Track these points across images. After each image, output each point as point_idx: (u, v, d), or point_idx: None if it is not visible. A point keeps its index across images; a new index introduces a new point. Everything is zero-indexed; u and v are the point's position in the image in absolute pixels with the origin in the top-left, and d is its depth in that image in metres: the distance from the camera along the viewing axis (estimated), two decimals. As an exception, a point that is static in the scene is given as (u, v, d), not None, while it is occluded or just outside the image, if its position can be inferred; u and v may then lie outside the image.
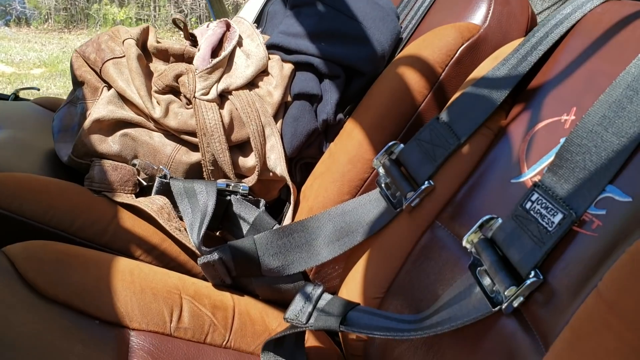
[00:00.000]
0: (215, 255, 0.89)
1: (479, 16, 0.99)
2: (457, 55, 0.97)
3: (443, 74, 0.97)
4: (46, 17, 9.71)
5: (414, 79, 0.97)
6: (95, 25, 9.92)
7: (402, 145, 0.90)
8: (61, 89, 5.97)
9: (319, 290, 0.83)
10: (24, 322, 0.69)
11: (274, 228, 0.97)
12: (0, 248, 0.80)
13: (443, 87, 0.97)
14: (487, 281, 0.67)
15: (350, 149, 1.01)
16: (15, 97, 1.46)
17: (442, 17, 1.07)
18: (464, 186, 0.83)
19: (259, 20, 1.37)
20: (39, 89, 1.61)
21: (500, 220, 0.70)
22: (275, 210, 1.18)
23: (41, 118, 1.30)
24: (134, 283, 0.82)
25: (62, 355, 0.67)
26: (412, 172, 0.87)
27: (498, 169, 0.79)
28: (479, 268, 0.69)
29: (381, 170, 0.91)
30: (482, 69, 0.90)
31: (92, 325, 0.75)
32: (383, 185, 0.90)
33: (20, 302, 0.73)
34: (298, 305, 0.80)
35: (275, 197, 1.18)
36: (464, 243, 0.72)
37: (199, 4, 10.18)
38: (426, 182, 0.83)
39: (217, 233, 1.08)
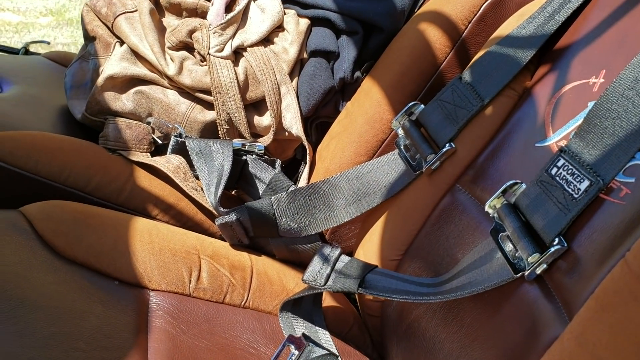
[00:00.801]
0: (232, 216, 0.89)
1: (504, -30, 0.96)
2: (480, 11, 0.93)
3: (466, 31, 0.94)
4: (51, -36, 9.54)
5: (435, 36, 0.95)
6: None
7: (422, 106, 0.88)
8: (69, 38, 5.91)
9: (337, 252, 0.82)
10: (45, 282, 0.70)
11: (291, 189, 0.97)
12: (17, 208, 0.81)
13: (465, 44, 0.94)
14: (509, 247, 0.66)
15: (368, 108, 0.99)
16: (26, 51, 1.44)
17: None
18: (486, 149, 0.81)
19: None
20: (49, 42, 1.58)
21: (524, 186, 0.69)
22: (291, 169, 1.17)
23: (53, 73, 1.28)
24: (152, 243, 0.82)
25: (83, 315, 0.67)
26: (432, 134, 0.85)
27: (522, 132, 0.78)
28: (501, 234, 0.68)
29: (400, 132, 0.89)
30: (507, 27, 0.87)
31: (111, 286, 0.75)
32: (402, 146, 0.89)
33: (40, 262, 0.73)
34: (316, 267, 0.80)
35: (290, 157, 1.16)
36: (487, 208, 0.71)
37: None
38: (447, 145, 0.82)
39: (233, 192, 1.07)
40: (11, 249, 0.73)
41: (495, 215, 0.70)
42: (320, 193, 0.92)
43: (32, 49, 1.50)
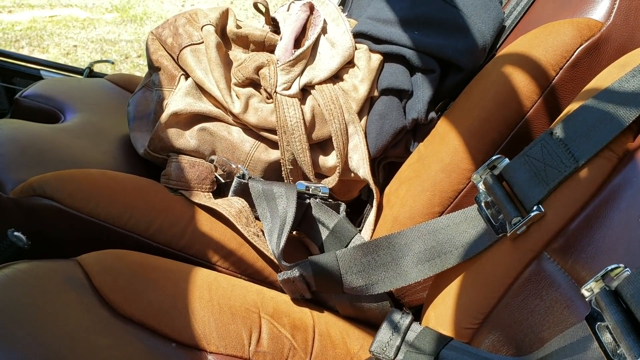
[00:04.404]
0: (295, 272, 0.83)
1: (600, 11, 0.86)
2: (574, 56, 0.85)
3: (556, 77, 0.85)
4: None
5: (522, 82, 0.87)
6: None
7: (507, 160, 0.81)
8: (132, 35, 6.04)
9: (408, 319, 0.76)
10: (101, 347, 0.66)
11: (357, 241, 0.91)
12: (69, 250, 0.78)
13: (555, 92, 0.86)
14: (608, 339, 0.58)
15: (444, 155, 0.92)
16: (90, 71, 1.44)
17: (554, 8, 0.95)
18: (579, 216, 0.73)
19: (343, 1, 1.27)
20: (113, 62, 1.59)
21: (628, 271, 0.60)
22: (355, 209, 1.11)
23: (115, 99, 1.27)
24: (212, 301, 0.77)
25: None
26: (518, 194, 0.77)
27: (622, 201, 0.69)
28: (599, 323, 0.60)
29: (481, 187, 0.82)
30: (606, 79, 0.78)
31: (169, 349, 0.71)
32: (482, 203, 0.81)
33: (96, 322, 0.70)
34: (385, 337, 0.74)
35: (355, 197, 1.10)
36: (583, 291, 0.63)
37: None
38: (535, 208, 0.74)
39: (294, 233, 1.02)
40: (67, 306, 0.70)
41: (593, 300, 0.62)
42: (390, 248, 0.85)
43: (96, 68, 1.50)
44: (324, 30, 1.05)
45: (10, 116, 1.19)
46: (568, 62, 0.85)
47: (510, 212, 0.75)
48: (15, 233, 0.83)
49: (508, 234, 0.76)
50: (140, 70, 5.27)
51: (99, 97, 1.25)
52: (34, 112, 1.14)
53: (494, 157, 0.81)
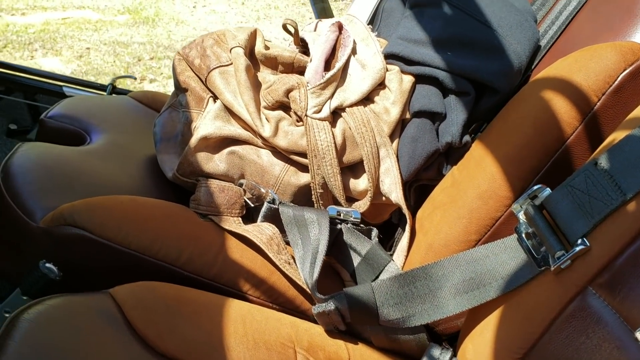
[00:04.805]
0: (331, 305, 0.82)
1: (645, 33, 0.84)
2: (617, 82, 0.82)
3: (598, 103, 0.83)
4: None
5: (562, 107, 0.84)
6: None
7: (548, 190, 0.78)
8: (145, 37, 6.06)
9: (448, 355, 0.74)
10: (138, 387, 0.65)
11: (390, 268, 0.89)
12: (101, 280, 0.77)
13: (597, 118, 0.83)
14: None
15: (480, 182, 0.90)
16: (113, 87, 1.43)
17: (593, 29, 0.92)
18: (627, 251, 0.70)
19: (372, 20, 1.25)
20: (135, 78, 1.58)
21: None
22: (385, 230, 1.09)
23: (140, 117, 1.25)
24: (246, 335, 0.76)
25: None
26: (561, 226, 0.75)
27: (675, 237, 0.67)
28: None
29: (522, 217, 0.79)
30: (654, 106, 0.75)
31: (205, 388, 0.70)
32: (523, 234, 0.79)
33: (131, 358, 0.69)
34: (425, 374, 0.72)
35: (385, 220, 1.08)
36: (637, 334, 0.60)
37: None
38: (580, 242, 0.71)
39: (325, 257, 1.00)
40: (101, 343, 0.68)
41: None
42: (427, 279, 0.83)
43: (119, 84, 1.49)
44: (353, 51, 1.03)
45: (36, 137, 1.18)
46: (611, 88, 0.83)
47: (554, 245, 0.73)
48: (47, 265, 0.81)
49: (552, 268, 0.74)
50: (152, 72, 5.28)
51: (124, 116, 1.24)
52: (59, 133, 1.13)
53: (535, 187, 0.79)
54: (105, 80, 4.93)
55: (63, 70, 5.19)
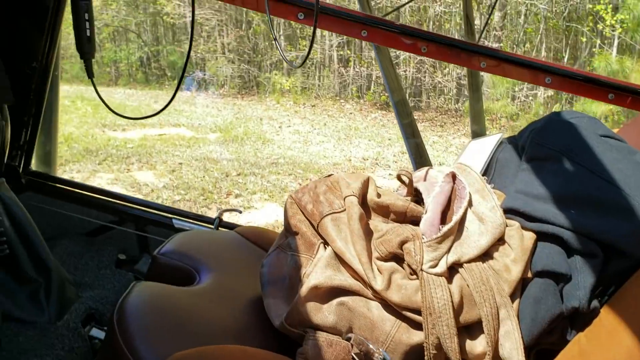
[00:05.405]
0: None
1: None
2: None
3: None
4: (222, 83, 10.72)
5: None
6: (265, 92, 10.70)
7: None
8: (233, 154, 6.37)
9: None
10: None
11: None
12: None
13: None
14: None
15: (615, 355, 0.82)
16: (220, 221, 1.46)
17: None
18: None
19: (486, 169, 1.23)
20: (241, 212, 1.63)
21: None
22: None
23: (247, 255, 1.27)
24: None
25: None
26: None
27: None
28: None
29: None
30: None
31: None
32: None
33: None
34: None
35: (501, 383, 1.00)
36: None
37: (362, 74, 10.54)
38: None
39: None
40: None
41: None
42: None
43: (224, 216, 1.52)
44: (469, 203, 1.01)
45: (147, 271, 1.21)
46: None
47: None
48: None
49: None
50: (238, 187, 5.47)
51: (231, 254, 1.25)
52: (171, 270, 1.15)
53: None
54: (194, 196, 5.14)
55: (156, 184, 5.48)
